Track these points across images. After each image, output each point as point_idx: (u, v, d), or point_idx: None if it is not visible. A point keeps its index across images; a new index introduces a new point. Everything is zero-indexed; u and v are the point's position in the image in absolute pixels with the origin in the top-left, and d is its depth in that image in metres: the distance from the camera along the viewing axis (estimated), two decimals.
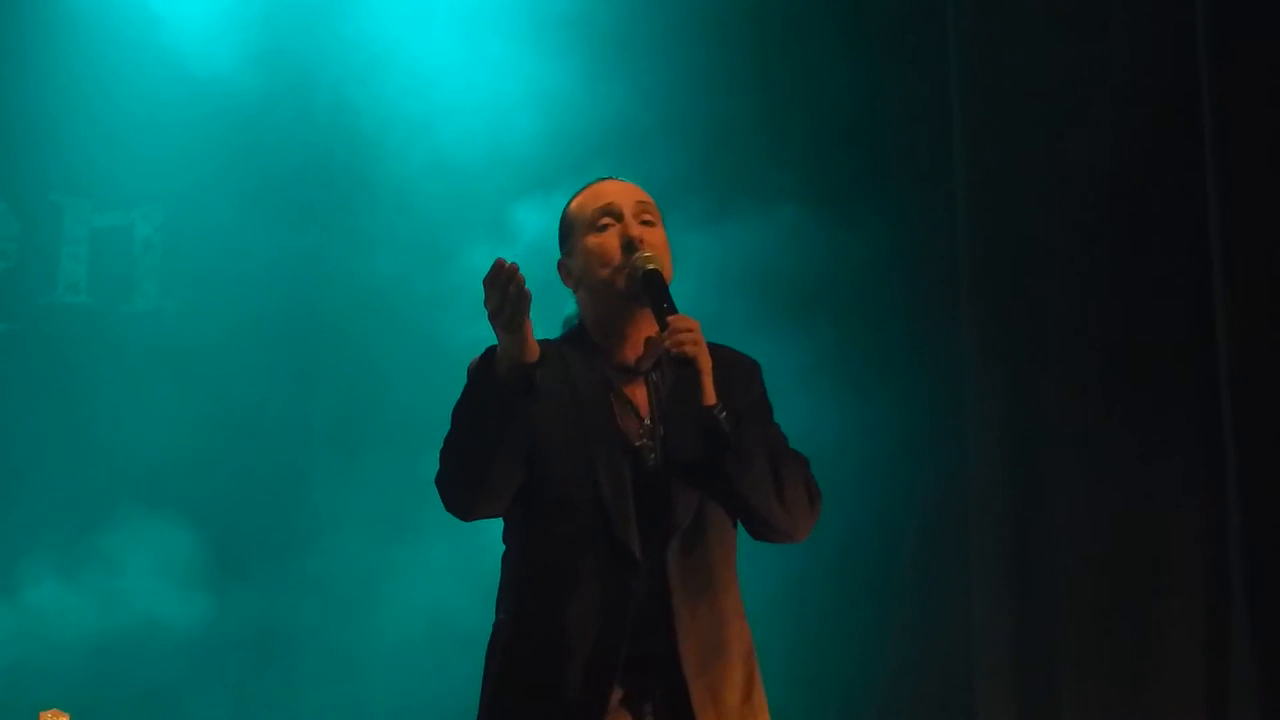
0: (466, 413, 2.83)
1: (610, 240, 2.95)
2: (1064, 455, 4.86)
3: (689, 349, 2.78)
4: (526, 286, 2.70)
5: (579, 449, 2.87)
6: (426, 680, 5.04)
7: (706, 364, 2.81)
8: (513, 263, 2.69)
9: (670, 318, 2.82)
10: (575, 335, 3.03)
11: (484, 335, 5.33)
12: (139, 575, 5.20)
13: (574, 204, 3.05)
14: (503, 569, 3.00)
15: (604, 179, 3.08)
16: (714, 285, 4.99)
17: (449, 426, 2.86)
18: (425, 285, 5.38)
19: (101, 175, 5.61)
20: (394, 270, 5.44)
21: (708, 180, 5.31)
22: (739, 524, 2.99)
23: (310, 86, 5.59)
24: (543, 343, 2.96)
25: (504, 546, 3.01)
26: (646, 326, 2.93)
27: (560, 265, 3.06)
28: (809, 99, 5.48)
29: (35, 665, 5.08)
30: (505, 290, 2.69)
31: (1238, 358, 4.39)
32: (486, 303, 2.71)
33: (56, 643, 5.11)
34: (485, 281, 2.70)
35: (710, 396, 2.81)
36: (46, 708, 4.52)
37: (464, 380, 2.88)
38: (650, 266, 2.88)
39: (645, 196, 3.02)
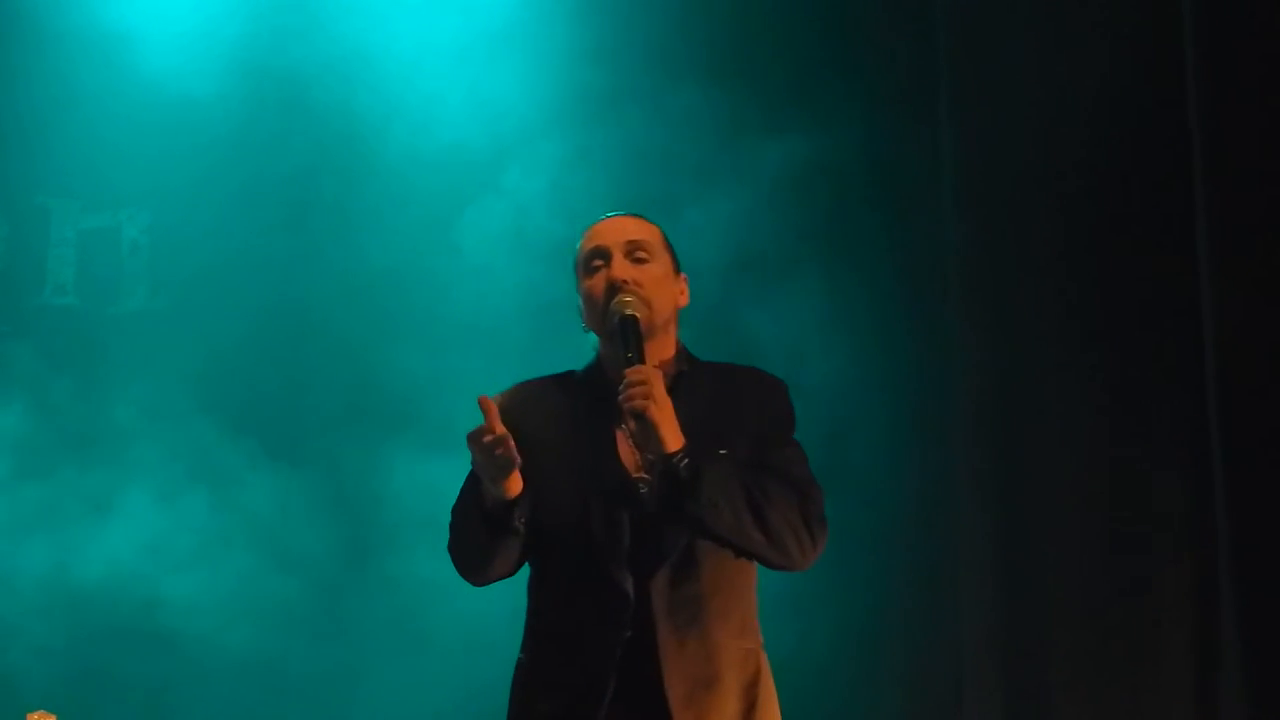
0: (460, 524, 2.96)
1: (598, 284, 3.00)
2: (1052, 454, 4.87)
3: (638, 403, 2.80)
4: (508, 456, 2.76)
5: (575, 488, 2.92)
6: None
7: (660, 414, 2.80)
8: (497, 434, 2.75)
9: (626, 370, 2.84)
10: (594, 366, 3.09)
11: (473, 336, 5.36)
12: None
13: (577, 246, 3.11)
14: (526, 608, 3.07)
15: (604, 218, 3.11)
16: (705, 258, 5.02)
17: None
18: (417, 280, 5.40)
19: (89, 177, 5.62)
20: (385, 265, 5.46)
21: (691, 152, 5.36)
22: None
23: (295, 86, 5.58)
24: (562, 376, 3.09)
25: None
26: (652, 354, 2.95)
27: (579, 305, 3.12)
28: (801, 110, 5.49)
29: None
30: (490, 456, 2.76)
31: (1225, 358, 4.41)
32: (471, 452, 2.78)
33: None
34: (469, 439, 2.77)
35: (669, 445, 2.82)
36: None
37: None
38: (627, 312, 2.92)
39: (639, 233, 3.05)
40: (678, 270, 3.09)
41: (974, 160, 5.10)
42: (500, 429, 2.75)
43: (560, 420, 2.98)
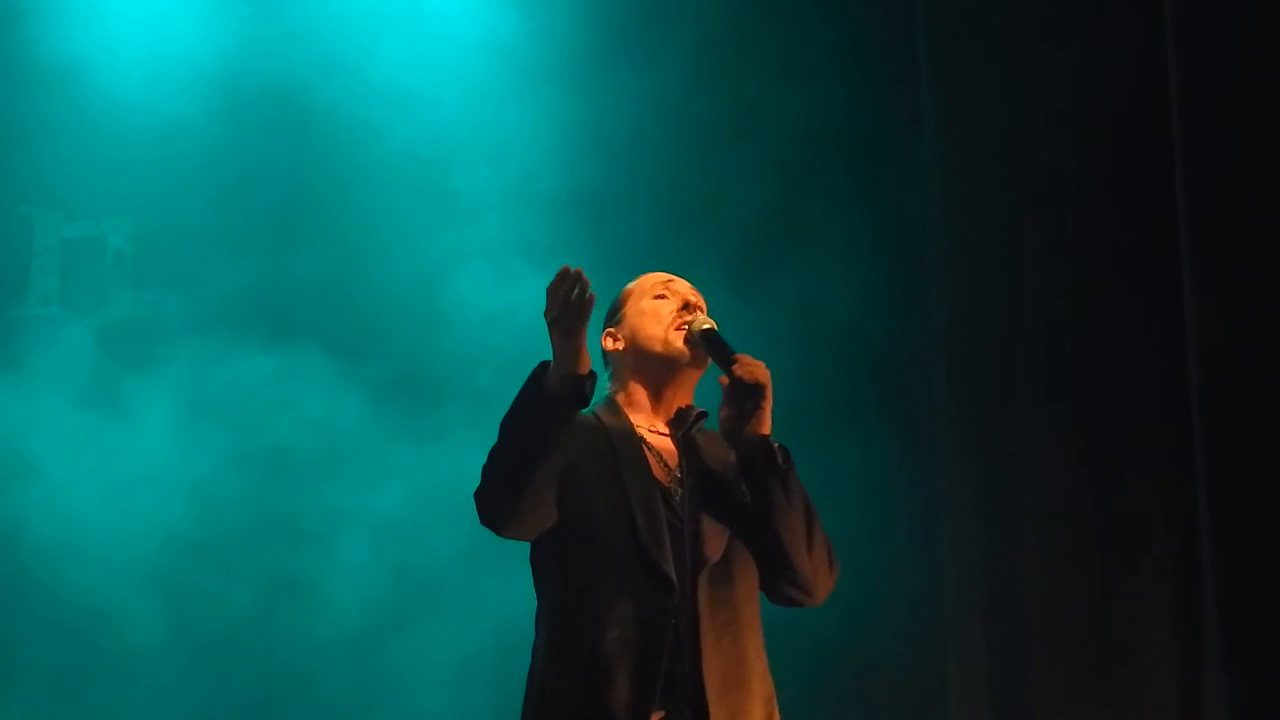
0: (514, 421, 2.93)
1: (668, 305, 3.15)
2: (1033, 451, 4.91)
3: (762, 376, 3.00)
4: (591, 292, 2.84)
5: (614, 483, 3.01)
6: None
7: (770, 397, 3.01)
8: (578, 268, 2.83)
9: (740, 355, 3.03)
10: (605, 404, 3.17)
11: (466, 336, 5.36)
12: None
13: (633, 283, 3.25)
14: (539, 603, 3.09)
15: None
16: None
17: (496, 438, 2.95)
18: (403, 288, 5.42)
19: (72, 187, 5.60)
20: (370, 274, 5.47)
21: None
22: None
23: (280, 94, 5.59)
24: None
25: (535, 585, 3.12)
26: (683, 392, 3.15)
27: (605, 335, 3.21)
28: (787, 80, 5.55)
29: None
30: (568, 296, 2.82)
31: (1207, 354, 4.44)
32: (547, 310, 2.84)
33: None
34: (549, 289, 2.84)
35: (768, 427, 3.03)
36: None
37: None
38: (706, 326, 3.09)
39: (697, 291, 3.22)
40: None
41: (956, 156, 5.14)
42: (585, 278, 2.83)
43: (590, 433, 3.06)
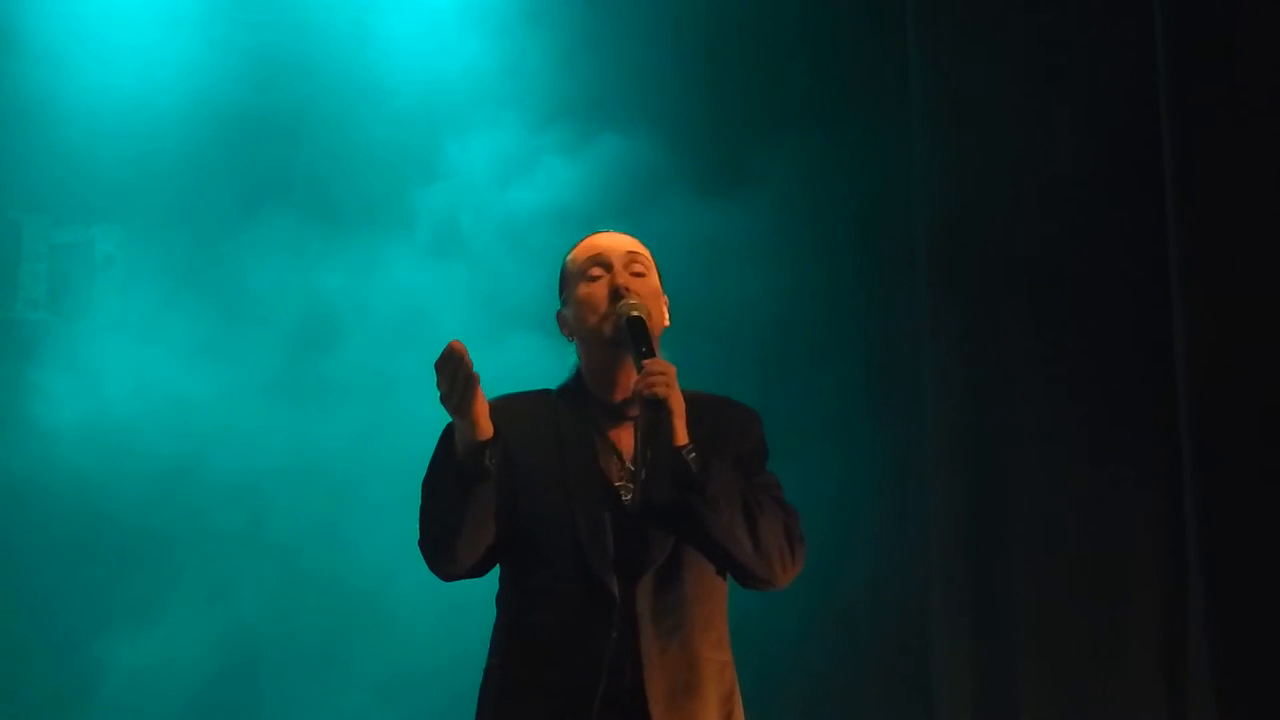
0: (431, 491, 2.92)
1: (599, 290, 3.04)
2: (1022, 450, 4.91)
3: (660, 390, 2.85)
4: (474, 370, 2.76)
5: (558, 493, 2.95)
6: None
7: (678, 406, 2.88)
8: (461, 348, 2.76)
9: (645, 360, 2.89)
10: (571, 383, 3.12)
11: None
12: None
13: (569, 256, 3.15)
14: (496, 616, 3.07)
15: (598, 231, 3.17)
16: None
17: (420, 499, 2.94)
18: (393, 296, 5.40)
19: (61, 192, 5.59)
20: (357, 283, 5.46)
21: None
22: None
23: (271, 101, 5.61)
24: (539, 393, 3.10)
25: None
26: (636, 372, 2.99)
27: (558, 316, 3.14)
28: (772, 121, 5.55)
29: None
30: (454, 376, 2.75)
31: (1195, 355, 4.45)
32: (438, 385, 2.77)
33: None
34: (436, 365, 2.77)
35: (681, 438, 2.89)
36: None
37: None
38: (634, 314, 2.96)
39: (637, 247, 3.12)
40: (662, 291, 3.14)
41: (944, 165, 5.14)
42: (467, 359, 2.76)
43: (541, 430, 3.01)
